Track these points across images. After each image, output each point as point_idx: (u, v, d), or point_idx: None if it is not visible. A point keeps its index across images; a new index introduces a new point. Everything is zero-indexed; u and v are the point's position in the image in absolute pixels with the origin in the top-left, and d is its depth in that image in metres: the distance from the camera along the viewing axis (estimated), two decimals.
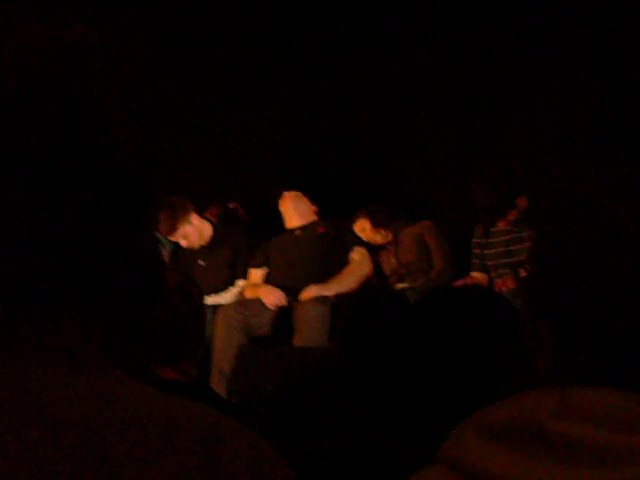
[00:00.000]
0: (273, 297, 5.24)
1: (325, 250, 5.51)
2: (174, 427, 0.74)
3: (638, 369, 0.88)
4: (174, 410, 0.77)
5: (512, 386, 0.94)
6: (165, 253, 5.85)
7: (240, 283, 5.68)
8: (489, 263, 5.44)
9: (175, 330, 2.31)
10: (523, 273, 4.87)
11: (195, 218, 5.68)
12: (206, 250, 5.75)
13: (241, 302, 5.36)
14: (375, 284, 5.45)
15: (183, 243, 5.70)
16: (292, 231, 5.72)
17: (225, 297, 5.59)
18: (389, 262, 5.84)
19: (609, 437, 0.82)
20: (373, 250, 5.81)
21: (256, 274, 5.63)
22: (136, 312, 0.88)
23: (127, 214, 0.80)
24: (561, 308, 0.94)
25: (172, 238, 5.67)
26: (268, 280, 5.54)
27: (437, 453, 0.92)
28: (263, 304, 5.21)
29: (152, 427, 0.73)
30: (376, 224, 5.85)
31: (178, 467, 0.72)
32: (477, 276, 5.44)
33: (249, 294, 5.46)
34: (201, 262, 5.73)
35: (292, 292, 5.25)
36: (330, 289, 5.19)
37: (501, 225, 5.35)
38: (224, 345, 4.88)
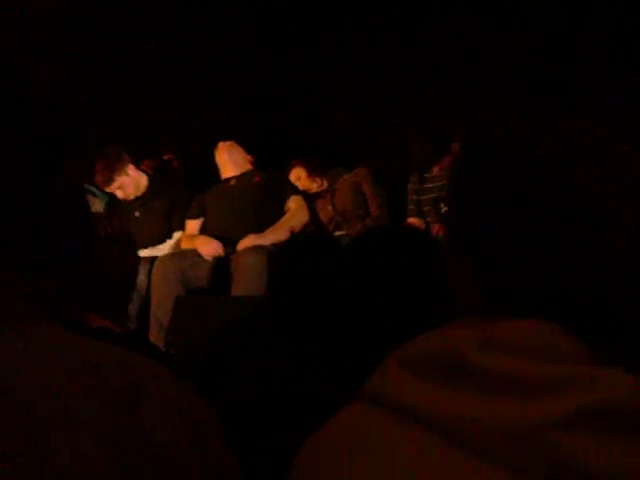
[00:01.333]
0: (210, 247, 5.21)
1: (261, 199, 5.49)
2: (98, 375, 0.75)
3: (558, 300, 0.88)
4: (96, 355, 0.78)
5: (436, 321, 0.94)
6: (101, 205, 5.79)
7: (177, 234, 5.65)
8: (425, 208, 5.48)
9: (104, 279, 2.29)
10: (444, 208, 4.91)
11: (131, 169, 5.63)
12: (142, 201, 5.71)
13: (178, 253, 5.33)
14: (312, 232, 5.46)
15: (119, 194, 5.65)
16: (228, 181, 5.69)
17: (162, 249, 5.55)
18: (326, 210, 5.85)
19: (533, 367, 0.82)
20: (309, 198, 5.81)
21: (193, 225, 5.60)
22: (63, 261, 0.87)
23: (41, 159, 0.80)
24: (481, 243, 0.94)
25: (108, 189, 5.62)
26: (205, 231, 5.52)
27: (361, 389, 0.93)
28: (200, 255, 5.19)
29: (77, 376, 0.74)
30: (312, 172, 5.84)
31: (101, 413, 0.72)
32: (413, 221, 5.48)
33: (186, 245, 5.42)
34: (137, 214, 5.69)
35: (229, 242, 5.23)
36: (267, 238, 5.18)
37: (436, 171, 5.38)
38: (161, 297, 4.85)
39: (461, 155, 1.04)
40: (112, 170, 5.51)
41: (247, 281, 4.82)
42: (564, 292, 0.88)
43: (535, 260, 0.89)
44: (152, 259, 5.20)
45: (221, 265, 5.14)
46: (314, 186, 5.88)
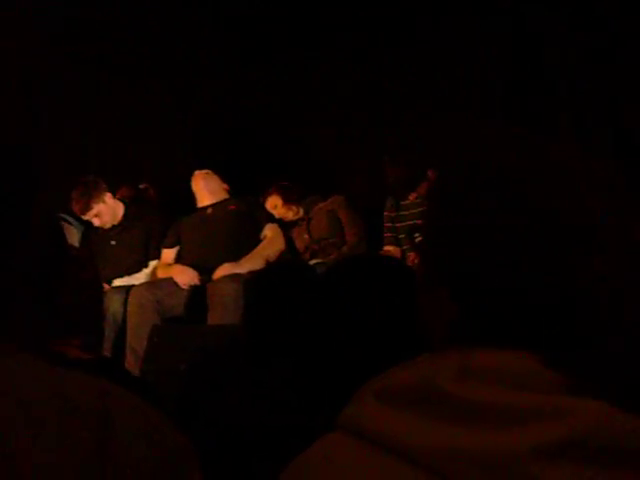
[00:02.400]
0: (186, 276, 5.21)
1: (237, 228, 5.49)
2: (68, 401, 0.75)
3: (533, 330, 0.89)
4: (68, 385, 0.78)
5: (411, 351, 0.94)
6: (76, 234, 5.78)
7: (153, 263, 5.65)
8: (401, 236, 5.48)
9: (72, 303, 2.28)
10: (419, 238, 4.93)
11: (109, 197, 5.66)
12: (118, 230, 5.72)
13: (154, 282, 5.32)
14: (287, 260, 5.46)
15: (96, 222, 5.66)
16: (204, 209, 5.69)
17: (138, 277, 5.54)
18: (302, 238, 5.85)
19: (509, 397, 0.82)
20: (285, 226, 5.81)
21: (168, 254, 5.60)
22: (34, 288, 0.88)
23: (14, 192, 0.80)
24: (454, 271, 0.94)
25: (85, 217, 5.63)
26: (180, 259, 5.51)
27: (337, 419, 0.92)
28: (176, 284, 5.18)
29: (47, 403, 0.74)
30: (287, 200, 5.85)
31: (71, 439, 0.72)
32: (390, 249, 5.49)
33: (162, 274, 5.42)
34: (113, 242, 5.70)
35: (205, 271, 5.22)
36: (243, 267, 5.17)
37: (412, 198, 5.39)
38: (137, 325, 4.83)
39: (437, 183, 1.04)
40: (90, 197, 5.53)
41: (223, 310, 4.81)
42: (540, 321, 0.88)
43: (512, 290, 0.89)
44: (128, 288, 5.18)
45: (197, 294, 5.13)
46: (290, 214, 5.88)
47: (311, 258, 5.68)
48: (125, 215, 5.75)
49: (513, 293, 0.89)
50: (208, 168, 5.88)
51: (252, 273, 5.02)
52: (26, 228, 0.83)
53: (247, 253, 5.35)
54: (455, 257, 0.94)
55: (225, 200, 5.71)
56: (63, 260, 0.96)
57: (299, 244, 5.86)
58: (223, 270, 5.14)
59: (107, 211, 5.64)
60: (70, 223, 5.67)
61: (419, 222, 5.17)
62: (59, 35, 6.13)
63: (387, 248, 5.52)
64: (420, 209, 5.29)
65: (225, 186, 5.82)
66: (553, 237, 0.88)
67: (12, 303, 0.83)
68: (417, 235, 5.15)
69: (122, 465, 0.74)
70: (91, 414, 0.75)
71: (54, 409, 0.73)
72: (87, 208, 5.55)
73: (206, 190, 5.74)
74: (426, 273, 1.01)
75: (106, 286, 5.39)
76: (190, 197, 5.82)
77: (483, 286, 0.91)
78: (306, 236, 5.82)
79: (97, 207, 5.57)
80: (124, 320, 4.99)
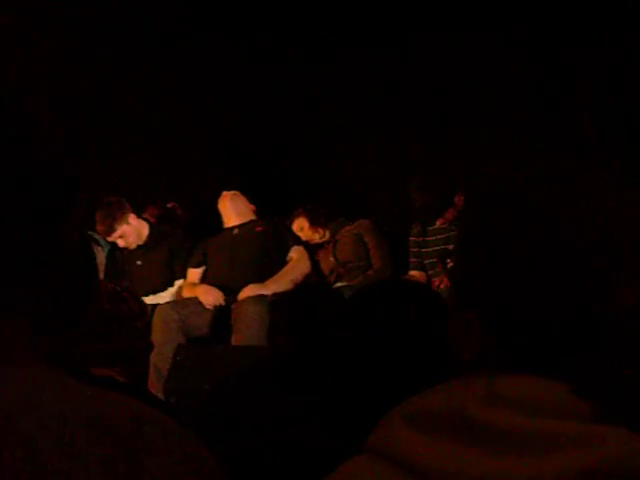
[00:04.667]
0: (211, 297, 5.21)
1: (263, 249, 5.50)
2: (99, 421, 0.74)
3: (562, 358, 0.88)
4: (99, 404, 0.77)
5: (439, 376, 0.94)
6: (102, 254, 5.81)
7: (178, 283, 5.66)
8: (427, 261, 5.47)
9: (107, 335, 2.31)
10: (451, 263, 4.91)
11: (133, 218, 5.66)
12: (143, 250, 5.73)
13: (179, 302, 5.33)
14: (314, 283, 5.45)
15: (120, 243, 5.68)
16: (230, 230, 5.70)
17: (163, 297, 5.56)
18: (327, 261, 5.84)
19: (537, 424, 0.82)
20: (311, 249, 5.81)
21: (194, 273, 5.61)
22: (67, 308, 0.88)
23: (51, 207, 0.81)
24: (486, 299, 0.94)
25: (110, 238, 5.65)
26: (206, 279, 5.52)
27: (365, 443, 0.92)
28: (201, 304, 5.19)
29: (77, 421, 0.74)
30: (314, 223, 5.85)
31: (101, 460, 0.72)
32: (415, 274, 5.47)
33: (187, 293, 5.43)
34: (139, 262, 5.71)
35: (230, 291, 5.22)
36: (269, 288, 5.16)
37: (439, 223, 5.38)
38: (161, 345, 4.83)
39: (469, 211, 1.05)
40: (113, 219, 5.55)
41: (247, 331, 4.81)
42: (569, 350, 0.88)
43: (541, 320, 0.89)
44: (153, 307, 5.19)
45: (222, 314, 5.13)
46: (316, 237, 5.88)
47: (336, 281, 5.67)
48: (150, 235, 5.77)
49: (543, 323, 0.89)
50: (236, 189, 5.90)
51: (278, 295, 5.05)
52: (59, 243, 0.83)
53: (273, 275, 5.36)
54: (485, 286, 0.94)
55: (252, 221, 5.73)
56: (93, 279, 0.97)
57: (324, 267, 5.86)
58: (248, 291, 5.14)
59: (131, 232, 5.66)
60: (98, 242, 5.70)
61: (450, 247, 5.15)
62: (83, 51, 6.18)
63: (412, 273, 5.51)
64: (447, 235, 5.28)
65: (252, 207, 5.84)
66: (582, 270, 0.89)
67: (46, 319, 0.84)
68: (449, 261, 5.12)
69: None
70: (123, 436, 0.74)
71: (85, 428, 0.73)
72: (111, 230, 5.58)
73: (233, 211, 5.76)
74: (456, 299, 1.01)
75: None
76: (217, 217, 5.84)
77: (513, 315, 0.91)
78: (332, 259, 5.81)
79: (121, 229, 5.59)
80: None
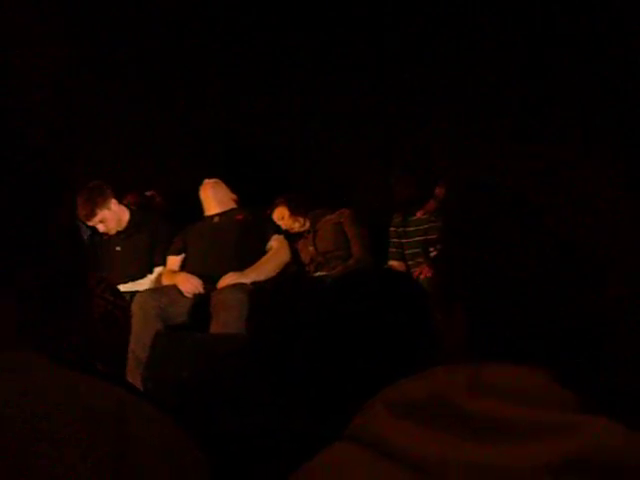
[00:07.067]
0: (190, 284, 5.20)
1: (243, 237, 5.49)
2: (87, 406, 0.75)
3: (545, 347, 0.89)
4: (87, 390, 0.78)
5: (421, 364, 0.94)
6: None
7: (158, 270, 5.64)
8: (407, 252, 5.48)
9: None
10: (434, 253, 4.92)
11: (114, 203, 5.64)
12: (123, 236, 5.71)
13: (158, 289, 5.31)
14: (293, 272, 5.46)
15: (101, 228, 5.65)
16: (211, 218, 5.70)
17: (142, 284, 5.54)
18: (307, 250, 5.84)
19: (520, 413, 0.83)
20: (291, 238, 5.81)
21: (174, 261, 5.60)
22: (56, 295, 0.87)
23: (42, 192, 0.81)
24: (470, 289, 0.94)
25: (90, 223, 5.62)
26: (186, 267, 5.51)
27: (346, 429, 0.92)
28: (180, 291, 5.17)
29: (64, 407, 0.74)
30: (294, 212, 5.85)
31: (90, 445, 0.72)
32: (395, 264, 5.48)
33: (166, 281, 5.41)
34: (118, 248, 5.69)
35: (210, 279, 5.22)
36: (248, 277, 5.17)
37: (419, 214, 5.39)
38: (140, 332, 4.82)
39: (452, 202, 1.04)
40: (94, 204, 5.52)
41: (226, 318, 4.80)
42: (552, 339, 0.88)
43: (528, 307, 0.90)
44: (132, 294, 5.17)
45: (201, 302, 5.12)
46: (296, 226, 5.88)
47: (316, 270, 5.67)
48: (130, 221, 5.75)
49: (527, 312, 0.89)
50: (217, 177, 5.89)
51: (256, 283, 5.04)
52: (49, 230, 0.83)
53: (252, 263, 5.35)
54: (469, 276, 0.94)
55: (232, 210, 5.72)
56: (84, 268, 0.96)
57: (304, 256, 5.85)
58: (228, 279, 5.13)
59: (112, 217, 5.64)
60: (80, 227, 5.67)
61: (432, 237, 5.16)
62: (66, 38, 6.15)
63: (392, 263, 5.51)
64: (427, 225, 5.29)
65: (233, 196, 5.83)
66: (566, 258, 0.89)
67: (31, 304, 0.83)
68: (432, 250, 5.13)
69: (137, 476, 0.74)
70: (108, 422, 0.74)
71: (71, 415, 0.73)
72: (92, 214, 5.54)
73: (214, 199, 5.75)
74: (440, 288, 1.01)
75: None
76: (198, 205, 5.83)
77: (497, 305, 0.91)
78: (311, 248, 5.81)
79: (102, 213, 5.57)
80: None
